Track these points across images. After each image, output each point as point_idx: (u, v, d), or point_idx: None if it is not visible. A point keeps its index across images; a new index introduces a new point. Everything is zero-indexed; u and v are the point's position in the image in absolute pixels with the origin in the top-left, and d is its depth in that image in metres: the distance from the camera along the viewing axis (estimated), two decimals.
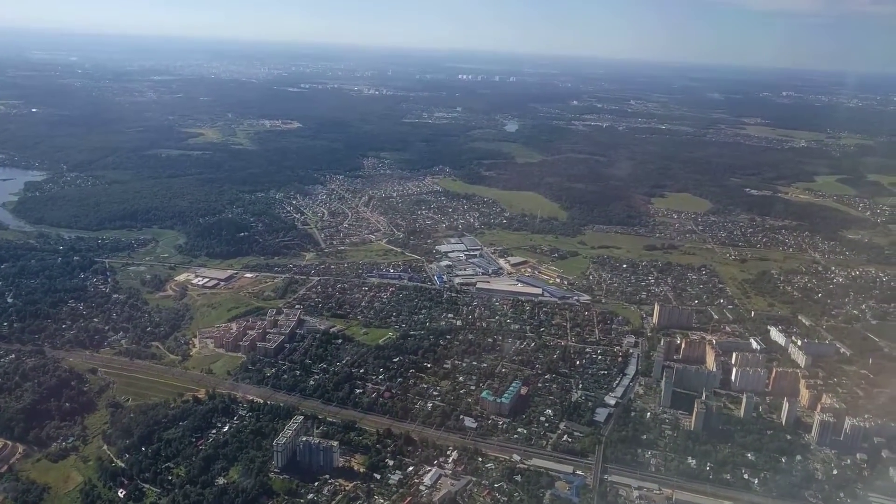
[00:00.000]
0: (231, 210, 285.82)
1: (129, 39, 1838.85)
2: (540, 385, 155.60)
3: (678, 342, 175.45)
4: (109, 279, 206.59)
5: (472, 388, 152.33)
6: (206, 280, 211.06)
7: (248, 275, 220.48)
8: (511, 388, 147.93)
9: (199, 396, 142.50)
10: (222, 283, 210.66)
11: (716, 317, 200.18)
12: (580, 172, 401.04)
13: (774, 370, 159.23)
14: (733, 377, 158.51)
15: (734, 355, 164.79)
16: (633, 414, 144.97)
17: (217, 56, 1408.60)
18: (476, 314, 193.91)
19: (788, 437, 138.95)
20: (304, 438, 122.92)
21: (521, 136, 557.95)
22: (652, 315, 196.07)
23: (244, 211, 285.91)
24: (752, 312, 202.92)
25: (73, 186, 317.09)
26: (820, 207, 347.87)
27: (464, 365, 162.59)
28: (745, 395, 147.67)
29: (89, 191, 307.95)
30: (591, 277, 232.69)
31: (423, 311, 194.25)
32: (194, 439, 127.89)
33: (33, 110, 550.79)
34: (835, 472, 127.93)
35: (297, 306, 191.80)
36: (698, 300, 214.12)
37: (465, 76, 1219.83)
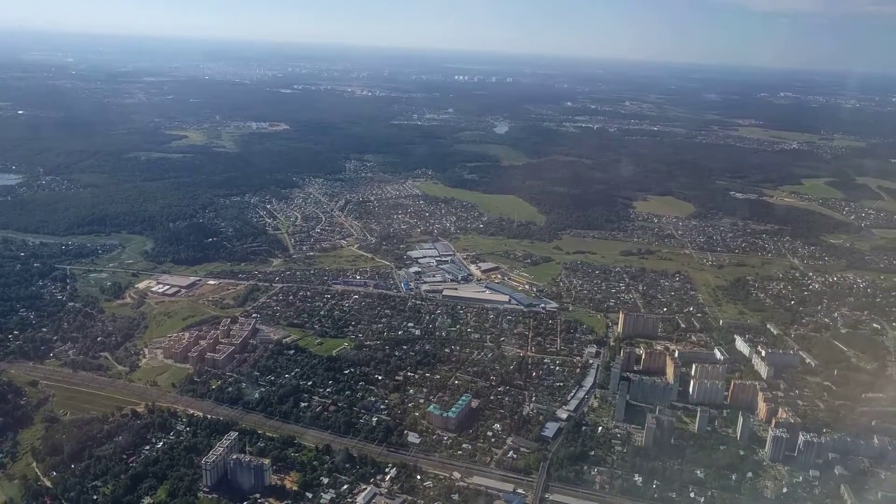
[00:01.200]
0: (203, 215, 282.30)
1: (130, 40, 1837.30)
2: (492, 398, 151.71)
3: (639, 353, 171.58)
4: (68, 286, 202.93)
5: (422, 401, 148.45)
6: (167, 287, 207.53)
7: (212, 282, 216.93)
8: (460, 402, 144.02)
9: (138, 410, 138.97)
10: (183, 291, 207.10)
11: (683, 325, 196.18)
12: (563, 175, 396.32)
13: (733, 382, 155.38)
14: (691, 389, 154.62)
15: (694, 367, 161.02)
16: (584, 429, 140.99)
17: (214, 57, 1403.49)
18: (437, 323, 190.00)
19: (741, 452, 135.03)
20: (234, 456, 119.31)
21: (509, 138, 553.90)
22: (618, 324, 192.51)
23: (216, 216, 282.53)
24: (721, 321, 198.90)
25: (46, 190, 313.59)
26: (804, 211, 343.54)
27: (416, 377, 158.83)
28: (699, 409, 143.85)
29: (62, 195, 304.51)
30: (561, 284, 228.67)
31: (384, 319, 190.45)
32: (126, 456, 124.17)
33: (19, 112, 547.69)
34: (785, 490, 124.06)
35: (253, 315, 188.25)
36: (667, 308, 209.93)
37: (461, 77, 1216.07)
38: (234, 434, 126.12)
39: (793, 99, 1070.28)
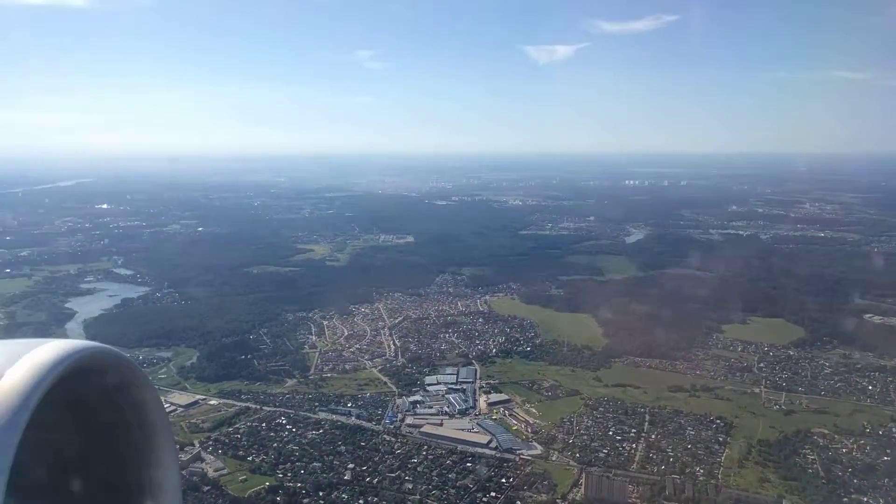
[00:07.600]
0: (258, 330, 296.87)
1: (350, 159, 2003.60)
2: None
3: None
4: None
5: None
6: (168, 406, 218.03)
7: (213, 402, 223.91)
8: None
9: None
10: (180, 410, 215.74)
11: (668, 492, 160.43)
12: (659, 292, 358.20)
13: None
14: None
15: None
16: None
17: (405, 171, 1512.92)
18: (382, 466, 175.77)
19: None
20: None
21: (633, 248, 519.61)
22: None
23: (268, 331, 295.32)
24: (723, 490, 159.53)
25: (153, 304, 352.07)
26: None
27: None
28: None
29: (161, 308, 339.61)
30: (566, 425, 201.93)
31: (330, 457, 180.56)
32: None
33: (199, 229, 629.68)
34: None
35: (209, 443, 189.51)
36: (668, 465, 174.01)
37: (631, 182, 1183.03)
38: None
39: None
